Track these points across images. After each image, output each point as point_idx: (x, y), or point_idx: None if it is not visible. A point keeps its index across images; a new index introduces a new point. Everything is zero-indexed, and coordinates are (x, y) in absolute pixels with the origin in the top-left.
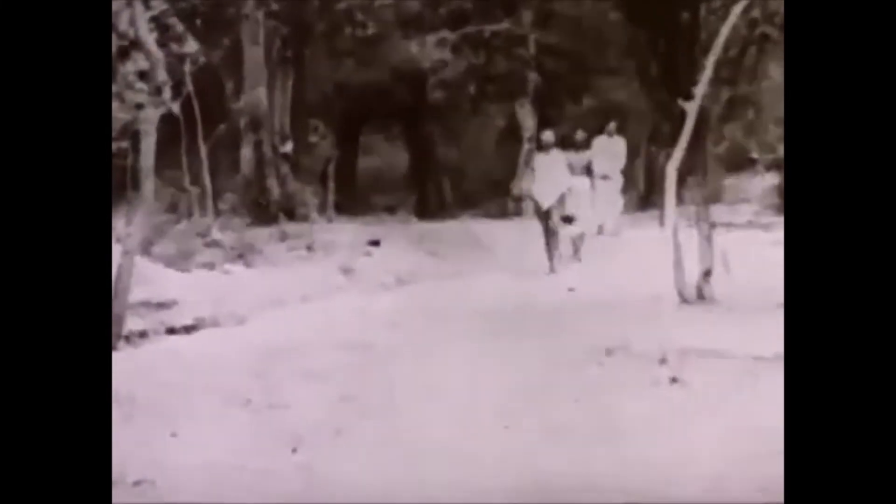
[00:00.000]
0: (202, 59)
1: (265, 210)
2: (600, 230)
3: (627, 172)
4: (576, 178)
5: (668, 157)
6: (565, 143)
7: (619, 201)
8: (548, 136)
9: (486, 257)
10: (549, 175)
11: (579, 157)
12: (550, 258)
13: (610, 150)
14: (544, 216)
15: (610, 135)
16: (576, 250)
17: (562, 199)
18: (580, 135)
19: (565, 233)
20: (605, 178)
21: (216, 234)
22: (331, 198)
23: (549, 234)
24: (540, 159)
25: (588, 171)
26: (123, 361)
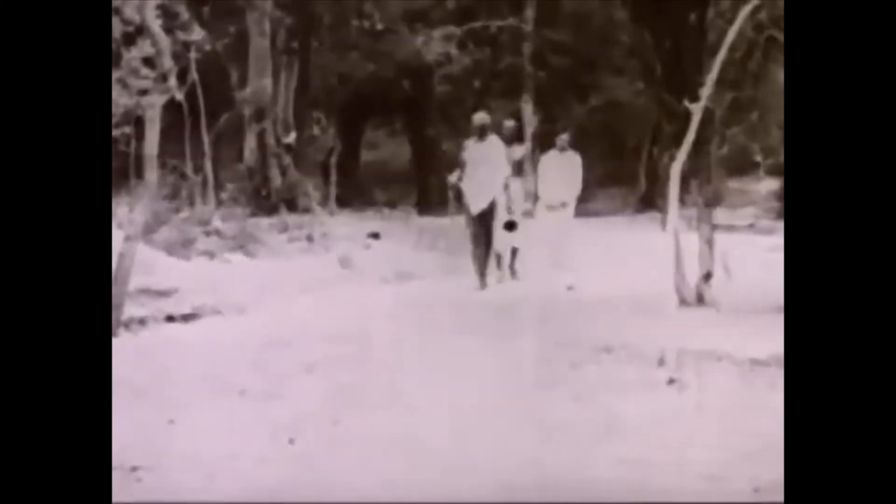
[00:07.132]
0: (208, 47)
1: (267, 200)
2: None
3: (584, 197)
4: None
5: (672, 158)
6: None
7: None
8: (481, 118)
9: None
10: (482, 169)
11: (511, 152)
12: (481, 272)
13: (564, 170)
14: (475, 220)
15: (562, 149)
16: (503, 264)
17: (503, 199)
18: (509, 124)
19: (504, 243)
20: (563, 205)
21: (217, 223)
22: (332, 190)
23: (477, 242)
24: (472, 148)
25: (520, 169)
26: (122, 348)
